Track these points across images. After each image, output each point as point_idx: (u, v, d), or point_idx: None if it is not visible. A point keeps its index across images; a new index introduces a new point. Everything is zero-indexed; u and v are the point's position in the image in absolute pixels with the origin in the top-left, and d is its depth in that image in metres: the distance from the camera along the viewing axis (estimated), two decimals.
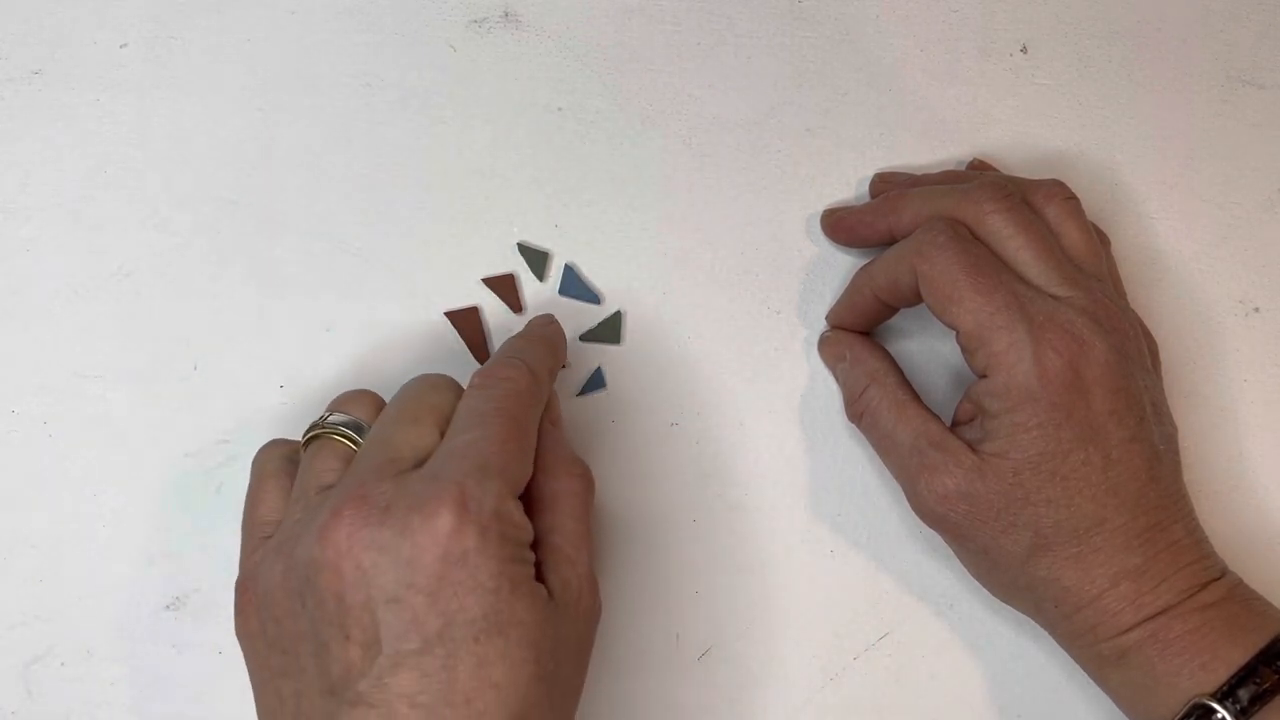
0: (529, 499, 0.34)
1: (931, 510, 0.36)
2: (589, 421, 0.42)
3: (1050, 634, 0.38)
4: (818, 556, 0.41)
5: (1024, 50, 0.46)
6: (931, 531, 0.38)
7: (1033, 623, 0.39)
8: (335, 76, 0.44)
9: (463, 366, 0.42)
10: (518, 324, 0.42)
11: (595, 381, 0.42)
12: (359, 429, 0.34)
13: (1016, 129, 0.45)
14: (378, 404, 0.36)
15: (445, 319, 0.42)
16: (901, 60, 0.45)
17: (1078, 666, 0.37)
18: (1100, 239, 0.40)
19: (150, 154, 0.43)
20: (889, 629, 0.41)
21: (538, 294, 0.42)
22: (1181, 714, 0.33)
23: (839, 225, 0.42)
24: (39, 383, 0.41)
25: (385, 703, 0.29)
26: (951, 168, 0.44)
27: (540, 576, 0.32)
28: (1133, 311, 0.38)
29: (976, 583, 0.39)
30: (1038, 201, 0.38)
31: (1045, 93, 0.45)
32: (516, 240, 0.43)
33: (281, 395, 0.41)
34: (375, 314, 0.42)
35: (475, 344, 0.42)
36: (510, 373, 0.34)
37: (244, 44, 0.44)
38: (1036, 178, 0.39)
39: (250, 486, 0.35)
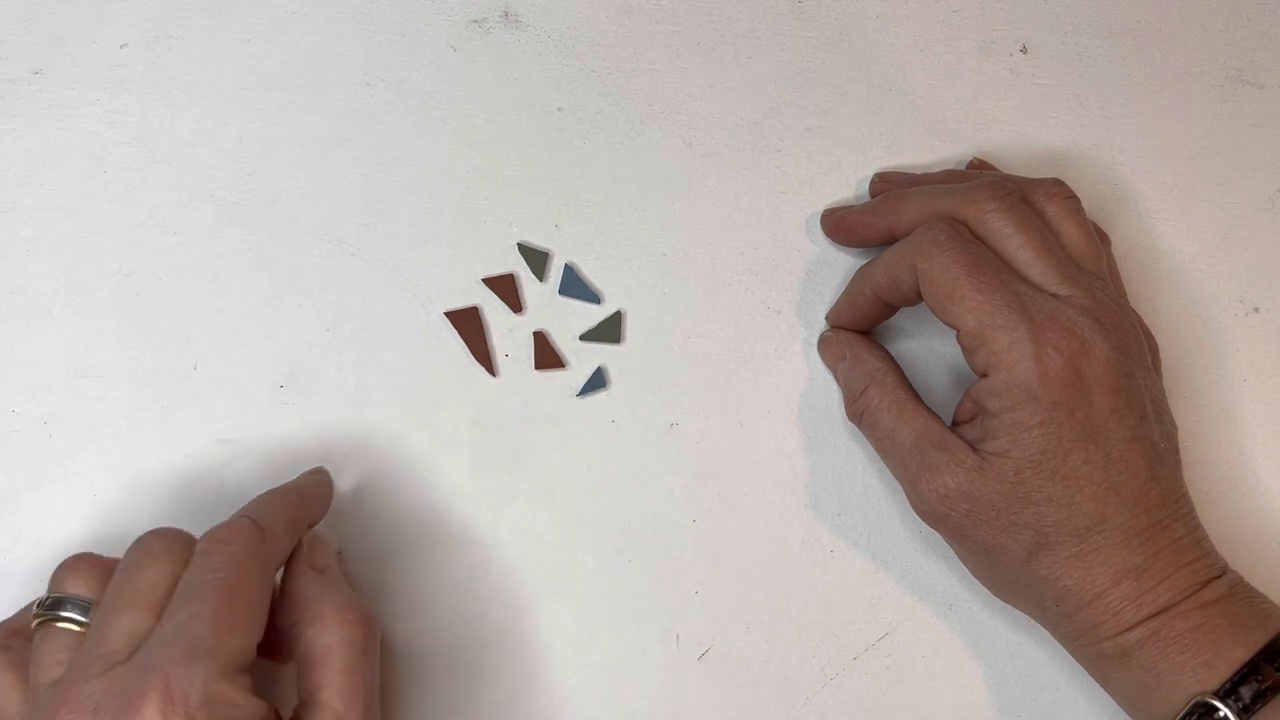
0: (300, 657, 0.33)
1: (932, 510, 0.36)
2: (589, 421, 0.42)
3: (1051, 633, 0.38)
4: (818, 556, 0.41)
5: (1024, 50, 0.46)
6: (932, 531, 0.38)
7: (1033, 623, 0.39)
8: (335, 76, 0.44)
9: (463, 366, 0.42)
10: (518, 324, 0.42)
11: (595, 381, 0.42)
12: (84, 608, 0.32)
13: (1016, 129, 0.45)
14: (104, 569, 0.33)
15: (445, 319, 0.42)
16: (901, 60, 0.45)
17: (1078, 666, 0.37)
18: (1100, 238, 0.40)
19: (150, 154, 0.43)
20: (889, 629, 0.41)
21: (538, 294, 0.42)
22: (1184, 712, 0.33)
23: (839, 225, 0.43)
24: (39, 383, 0.41)
25: None
26: (951, 167, 0.44)
27: None
28: (1133, 310, 0.38)
29: (976, 583, 0.39)
30: (1038, 200, 0.38)
31: (1045, 93, 0.45)
32: (516, 240, 0.43)
33: (281, 395, 0.41)
34: (375, 314, 0.42)
35: (475, 344, 0.42)
36: (231, 535, 0.33)
37: (244, 44, 0.44)
38: (1036, 177, 0.39)
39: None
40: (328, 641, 0.32)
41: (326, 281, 0.42)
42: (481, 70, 0.44)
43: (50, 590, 0.33)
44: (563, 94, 0.44)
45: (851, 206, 0.43)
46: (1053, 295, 0.35)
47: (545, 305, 0.42)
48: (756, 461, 0.42)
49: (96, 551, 0.34)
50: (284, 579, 0.34)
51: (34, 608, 0.33)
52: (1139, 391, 0.35)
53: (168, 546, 0.33)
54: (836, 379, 0.42)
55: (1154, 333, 0.40)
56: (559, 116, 0.44)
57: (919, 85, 0.45)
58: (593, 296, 0.42)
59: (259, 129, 0.43)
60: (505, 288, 0.42)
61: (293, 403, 0.41)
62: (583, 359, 0.42)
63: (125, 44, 0.44)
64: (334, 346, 0.42)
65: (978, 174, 0.41)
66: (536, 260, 0.43)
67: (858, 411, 0.40)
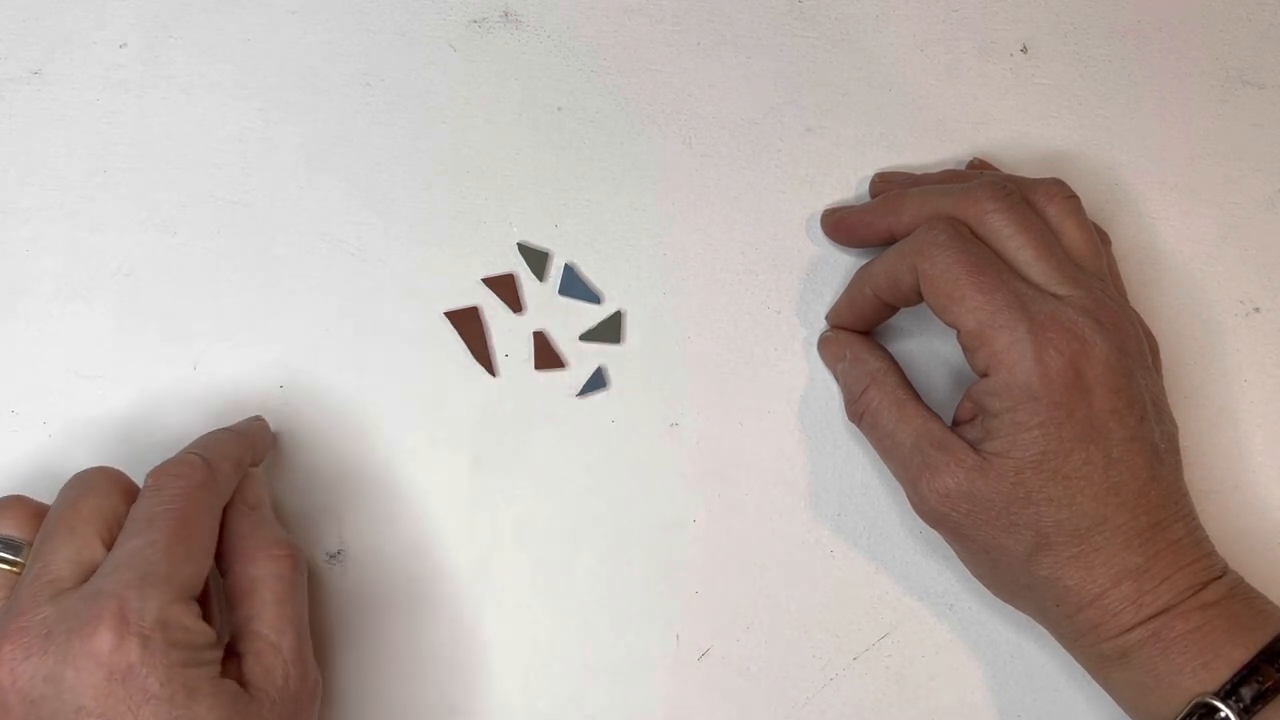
0: (229, 590, 0.34)
1: (933, 510, 0.36)
2: (589, 421, 0.42)
3: (1051, 634, 0.38)
4: (818, 556, 0.41)
5: (1024, 50, 0.46)
6: (932, 531, 0.38)
7: (1033, 623, 0.38)
8: (335, 76, 0.44)
9: (463, 366, 0.42)
10: (518, 324, 0.42)
11: (595, 381, 0.42)
12: (15, 548, 0.33)
13: (1016, 129, 0.45)
14: (36, 512, 0.34)
15: (445, 319, 0.42)
16: (901, 60, 0.45)
17: (1078, 666, 0.37)
18: (1100, 238, 0.40)
19: (150, 154, 0.43)
20: (889, 629, 0.41)
21: (538, 294, 0.42)
22: (1184, 713, 0.33)
23: (839, 225, 0.42)
24: (39, 383, 0.41)
25: None
26: (951, 167, 0.44)
27: (241, 669, 0.32)
28: (1133, 310, 0.38)
29: (977, 583, 0.39)
30: (1038, 200, 0.38)
31: (1045, 93, 0.45)
32: (516, 240, 0.43)
33: (281, 395, 0.41)
34: (375, 314, 0.42)
35: (475, 344, 0.42)
36: (181, 470, 0.34)
37: (244, 44, 0.44)
38: (1036, 177, 0.39)
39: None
40: (256, 574, 0.34)
41: (326, 281, 0.42)
42: (481, 70, 0.44)
43: None
44: (563, 94, 0.44)
45: (851, 206, 0.43)
46: (1053, 295, 0.35)
47: (545, 305, 0.42)
48: (756, 461, 0.42)
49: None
50: (224, 515, 0.35)
51: None
52: (1139, 392, 0.35)
53: (107, 480, 0.34)
54: (836, 379, 0.42)
55: (1154, 333, 0.40)
56: (559, 116, 0.44)
57: (919, 85, 0.45)
58: (593, 296, 0.42)
59: (259, 129, 0.43)
60: (505, 288, 0.42)
61: (293, 403, 0.41)
62: (583, 359, 0.42)
63: (125, 44, 0.44)
64: (334, 346, 0.42)
65: (978, 174, 0.41)
66: (536, 260, 0.43)
67: (858, 412, 0.40)
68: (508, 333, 0.42)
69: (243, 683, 0.32)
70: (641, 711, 0.40)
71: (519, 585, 0.40)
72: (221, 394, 0.41)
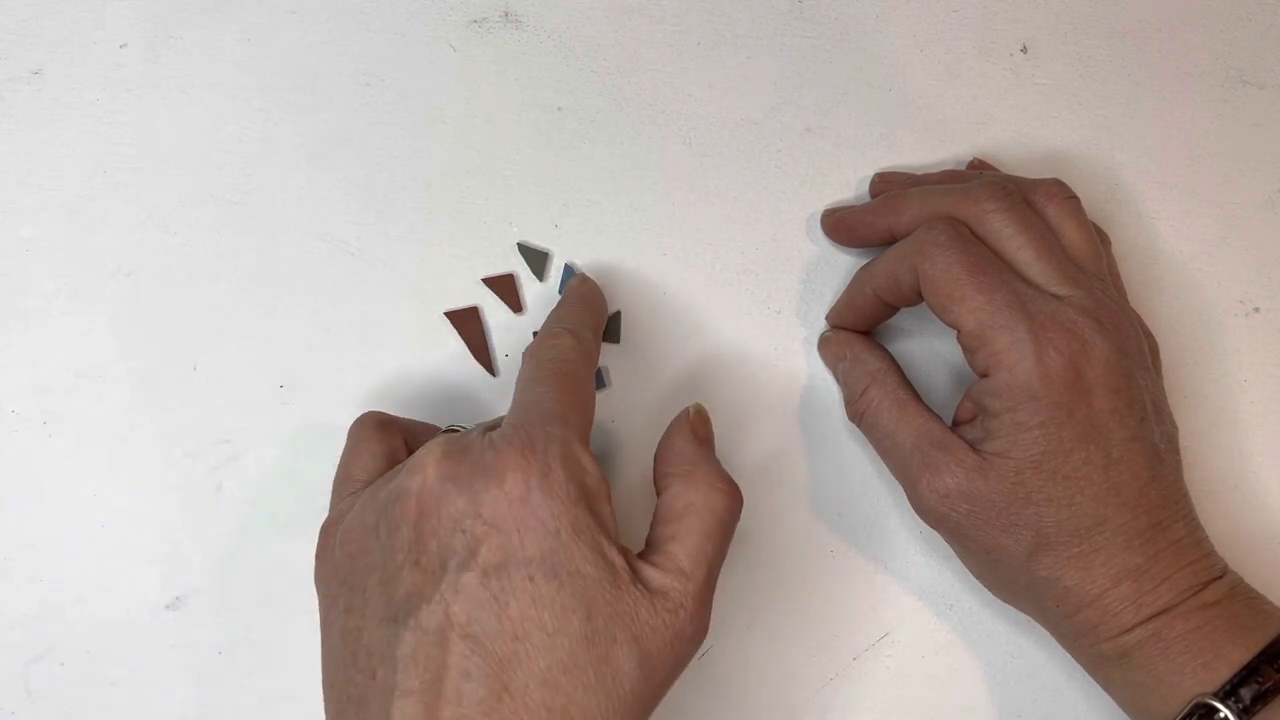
0: (661, 507, 0.34)
1: (933, 510, 0.36)
2: None
3: (1051, 634, 0.38)
4: (818, 556, 0.41)
5: (1024, 50, 0.46)
6: (932, 531, 0.38)
7: (1033, 622, 0.39)
8: (335, 76, 0.44)
9: (463, 366, 0.42)
10: (518, 324, 0.42)
11: (595, 382, 0.42)
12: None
13: (1016, 129, 0.45)
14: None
15: (445, 319, 0.42)
16: (901, 60, 0.45)
17: (1078, 666, 0.37)
18: (1100, 238, 0.40)
19: (150, 154, 0.43)
20: (889, 629, 0.41)
21: (538, 294, 0.42)
22: (1183, 713, 0.33)
23: (839, 225, 0.42)
24: (39, 383, 0.41)
25: (438, 629, 0.29)
26: (951, 167, 0.44)
27: (645, 579, 0.32)
28: (1133, 311, 0.38)
29: (976, 583, 0.39)
30: (1038, 201, 0.38)
31: (1045, 93, 0.45)
32: (516, 240, 0.43)
33: (281, 395, 0.41)
34: (375, 314, 0.42)
35: (475, 344, 0.42)
36: (554, 340, 0.36)
37: (244, 44, 0.44)
38: (1036, 177, 0.39)
39: (346, 447, 0.37)
40: (693, 499, 0.33)
41: (326, 281, 0.42)
42: (481, 70, 0.44)
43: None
44: (563, 94, 0.44)
45: (851, 206, 0.43)
46: (1053, 295, 0.35)
47: (545, 305, 0.42)
48: (756, 461, 0.42)
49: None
50: (667, 433, 0.36)
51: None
52: (1139, 392, 0.35)
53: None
54: (837, 379, 0.42)
55: (1154, 333, 0.40)
56: (559, 116, 0.44)
57: (919, 85, 0.45)
58: None
59: (259, 129, 0.43)
60: (505, 288, 0.42)
61: (293, 403, 0.41)
62: None
63: (125, 44, 0.44)
64: (334, 346, 0.42)
65: (978, 174, 0.41)
66: (536, 260, 0.43)
67: (858, 411, 0.40)
68: (508, 333, 0.42)
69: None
70: None
71: None
72: (222, 394, 0.41)
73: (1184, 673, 0.33)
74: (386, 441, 0.36)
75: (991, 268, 0.35)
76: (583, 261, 0.43)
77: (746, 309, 0.43)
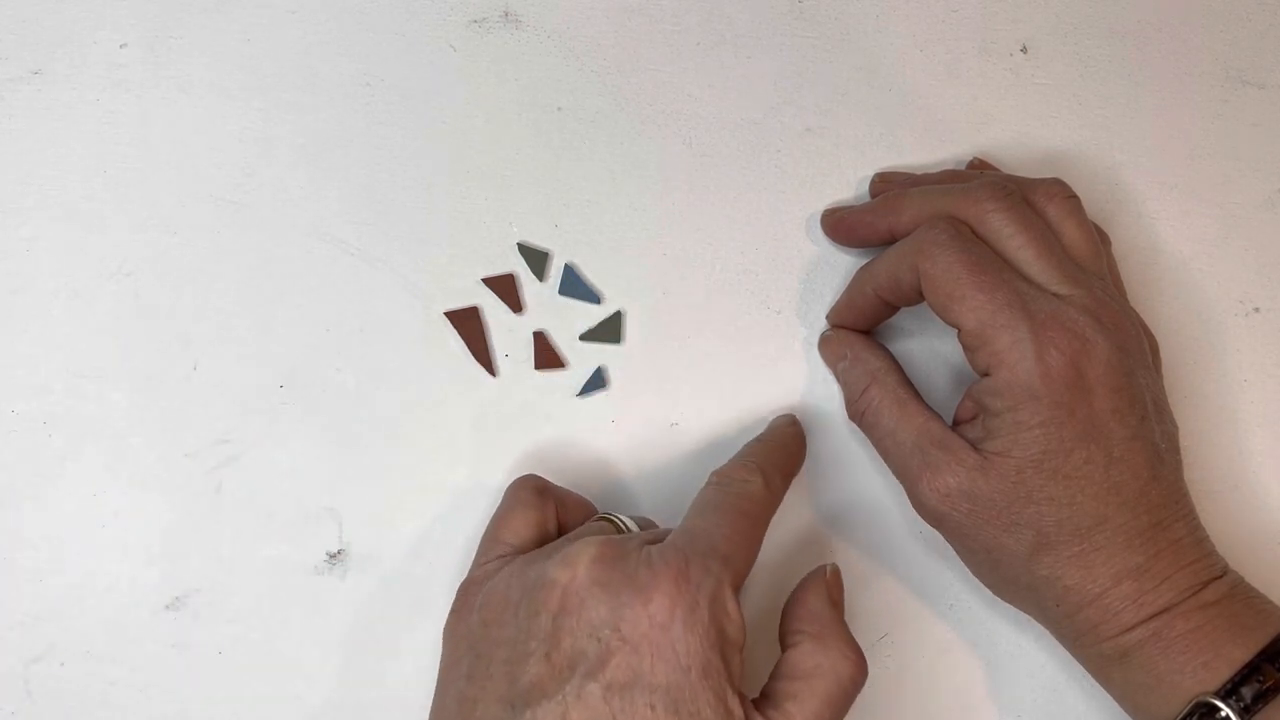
0: (786, 661, 0.33)
1: (933, 509, 0.36)
2: (589, 421, 0.42)
3: (1052, 633, 0.38)
4: (818, 556, 0.41)
5: (1024, 50, 0.46)
6: (932, 531, 0.38)
7: (1033, 622, 0.38)
8: (335, 76, 0.44)
9: (463, 366, 0.42)
10: (518, 324, 0.42)
11: (595, 381, 0.42)
12: (616, 526, 0.37)
13: (1016, 129, 0.45)
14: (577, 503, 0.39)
15: (445, 319, 0.42)
16: (901, 60, 0.45)
17: (1078, 666, 0.37)
18: (1100, 238, 0.40)
19: (150, 154, 0.43)
20: (889, 629, 0.41)
21: (538, 294, 0.42)
22: (1184, 713, 0.33)
23: (839, 225, 0.42)
24: (39, 383, 0.41)
25: None
26: (951, 168, 0.44)
27: None
28: (1133, 310, 0.38)
29: (977, 583, 0.39)
30: (1038, 200, 0.38)
31: (1045, 93, 0.45)
32: (516, 240, 0.43)
33: (281, 395, 0.41)
34: (375, 314, 0.42)
35: (475, 344, 0.42)
36: (745, 475, 0.35)
37: (244, 44, 0.44)
38: (1036, 177, 0.39)
39: (501, 507, 0.37)
40: (821, 662, 0.33)
41: (326, 281, 0.42)
42: (481, 70, 0.44)
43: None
44: (563, 94, 0.44)
45: (851, 206, 0.43)
46: (1054, 295, 0.35)
47: (545, 305, 0.42)
48: None
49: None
50: (801, 589, 0.35)
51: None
52: (1140, 391, 0.35)
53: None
54: (837, 378, 0.42)
55: (1154, 333, 0.40)
56: (559, 116, 0.44)
57: (919, 85, 0.45)
58: (593, 296, 0.42)
59: (259, 129, 0.43)
60: (505, 288, 0.42)
61: (293, 403, 0.41)
62: (583, 359, 0.42)
63: (125, 44, 0.44)
64: (334, 346, 0.42)
65: (978, 174, 0.41)
66: (536, 260, 0.43)
67: (858, 411, 0.40)
68: (508, 333, 0.42)
69: None
70: None
71: None
72: (221, 394, 0.41)
73: (1185, 672, 0.33)
74: (540, 509, 0.36)
75: (992, 267, 0.35)
76: (583, 261, 0.43)
77: (746, 309, 0.43)
